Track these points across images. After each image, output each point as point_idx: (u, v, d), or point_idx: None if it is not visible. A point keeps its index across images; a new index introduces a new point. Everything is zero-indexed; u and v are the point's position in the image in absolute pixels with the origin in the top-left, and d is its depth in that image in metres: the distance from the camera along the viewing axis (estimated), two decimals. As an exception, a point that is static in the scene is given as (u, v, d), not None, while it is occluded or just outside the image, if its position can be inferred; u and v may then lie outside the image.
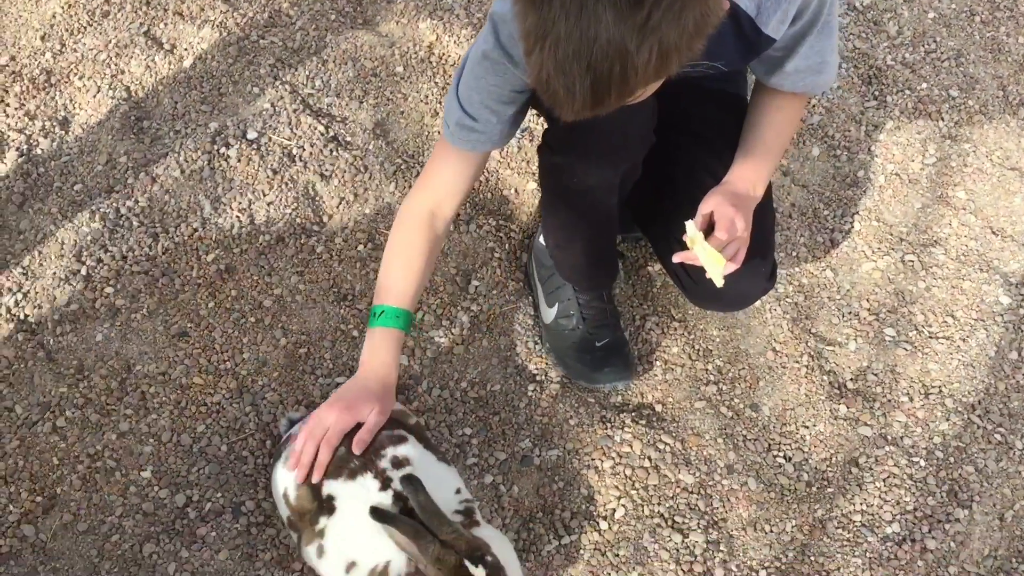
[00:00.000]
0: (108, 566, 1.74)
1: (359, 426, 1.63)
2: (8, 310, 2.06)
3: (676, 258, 1.68)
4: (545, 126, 1.84)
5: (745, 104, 1.88)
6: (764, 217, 1.79)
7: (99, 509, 1.80)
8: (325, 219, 2.28)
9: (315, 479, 1.59)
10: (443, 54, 2.64)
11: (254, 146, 2.38)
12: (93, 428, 1.90)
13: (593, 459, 1.94)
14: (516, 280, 2.21)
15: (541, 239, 2.11)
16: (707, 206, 1.66)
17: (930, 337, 2.19)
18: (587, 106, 1.23)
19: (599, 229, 1.90)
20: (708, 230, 1.66)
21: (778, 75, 1.70)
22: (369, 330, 1.72)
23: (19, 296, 2.08)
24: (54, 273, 2.12)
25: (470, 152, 1.70)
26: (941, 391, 2.10)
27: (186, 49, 2.58)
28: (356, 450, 1.60)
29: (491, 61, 1.58)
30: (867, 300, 2.24)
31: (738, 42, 1.60)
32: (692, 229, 1.63)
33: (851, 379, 2.11)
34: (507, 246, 2.26)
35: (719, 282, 1.64)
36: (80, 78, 2.48)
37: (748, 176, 1.73)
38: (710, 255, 1.62)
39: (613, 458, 1.94)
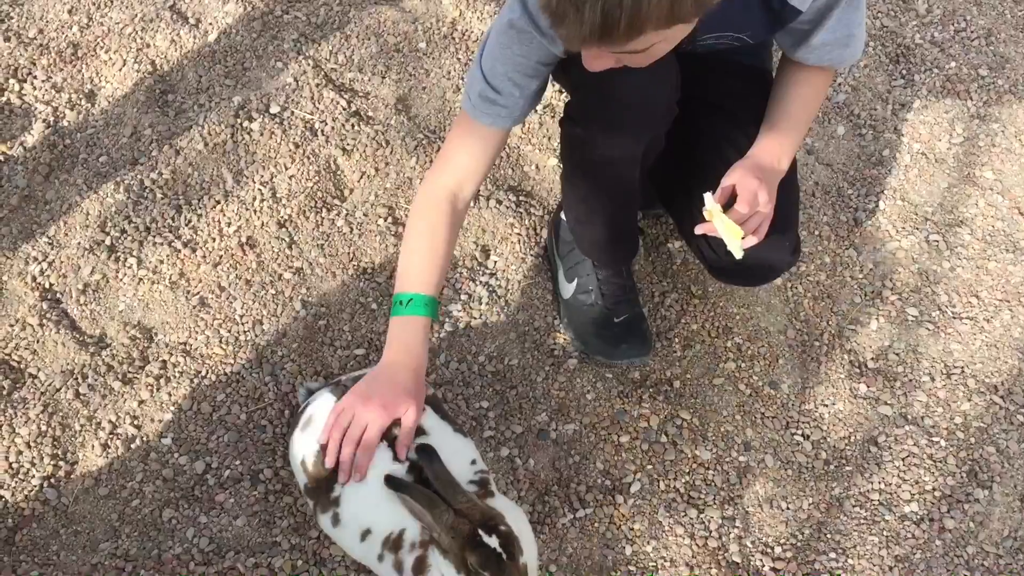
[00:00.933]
0: (128, 530, 1.77)
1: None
2: (33, 278, 2.08)
3: (698, 229, 1.67)
4: (568, 99, 1.83)
5: (770, 78, 1.86)
6: (788, 191, 1.78)
7: (120, 474, 1.83)
8: (346, 193, 2.29)
9: (356, 480, 1.56)
10: (466, 30, 2.64)
11: (277, 120, 2.39)
12: (115, 395, 1.93)
13: (610, 434, 1.94)
14: (535, 256, 2.20)
15: (562, 214, 2.10)
16: (730, 179, 1.65)
17: (953, 317, 2.16)
18: (595, 34, 1.21)
19: (620, 203, 1.89)
20: (731, 202, 1.65)
21: (804, 48, 1.68)
22: (395, 318, 1.65)
23: (44, 265, 2.11)
24: (79, 243, 2.14)
25: (490, 128, 1.68)
26: (963, 371, 2.07)
27: (211, 23, 2.59)
28: (401, 455, 1.57)
29: (517, 30, 1.57)
30: (890, 280, 2.22)
31: (764, 13, 1.58)
32: (710, 201, 1.62)
33: (872, 358, 2.09)
34: (527, 222, 2.25)
35: (738, 254, 1.63)
36: (106, 51, 2.50)
37: (773, 149, 1.72)
38: (728, 227, 1.61)
39: (630, 433, 1.94)
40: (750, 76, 1.92)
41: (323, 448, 1.63)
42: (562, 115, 1.82)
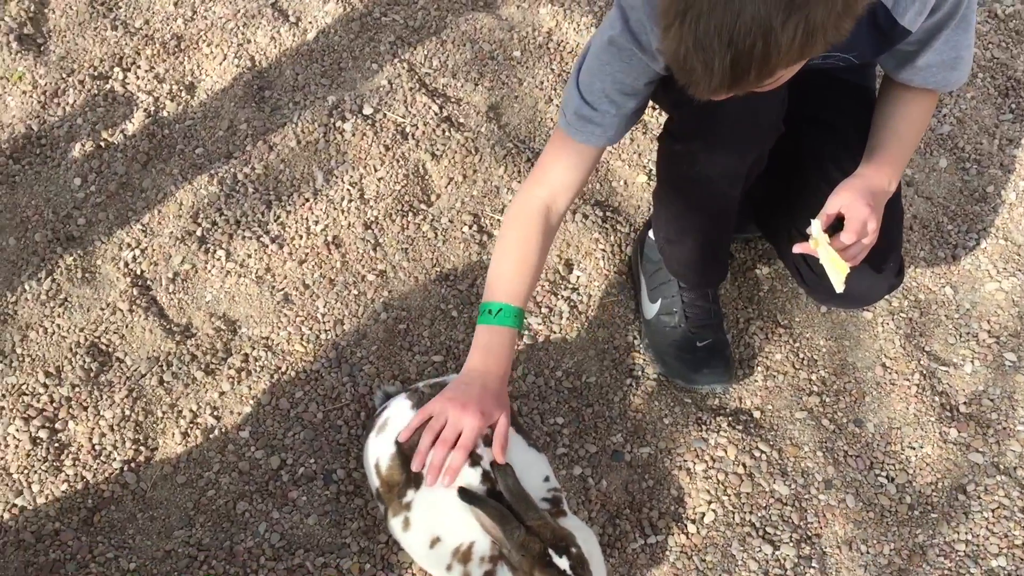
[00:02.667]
0: (202, 519, 1.79)
1: None
2: (126, 264, 2.13)
3: (796, 248, 1.63)
4: (666, 116, 1.80)
5: (875, 97, 1.81)
6: (894, 211, 1.72)
7: (198, 463, 1.85)
8: (433, 198, 2.29)
9: (447, 484, 1.53)
10: (561, 40, 2.62)
11: (369, 121, 2.41)
12: (197, 385, 1.96)
13: (685, 460, 1.90)
14: (619, 273, 2.17)
15: (650, 233, 2.07)
16: (836, 203, 1.60)
17: (1054, 366, 2.07)
18: (725, 84, 1.20)
19: (715, 224, 1.85)
20: (837, 224, 1.60)
21: (909, 70, 1.63)
22: (483, 326, 1.65)
23: (137, 252, 2.15)
24: (171, 232, 2.18)
25: (585, 145, 1.67)
26: (1062, 423, 1.98)
27: (310, 22, 2.62)
28: (500, 460, 1.55)
29: (617, 47, 1.54)
30: (988, 321, 2.13)
31: (872, 33, 1.53)
32: (816, 229, 1.58)
33: (964, 403, 2.01)
34: (612, 238, 2.22)
35: (839, 288, 1.58)
36: (208, 45, 2.55)
37: (882, 170, 1.66)
38: (832, 260, 1.57)
39: (706, 461, 1.90)
40: (855, 94, 1.87)
41: (400, 447, 1.63)
42: (661, 132, 1.79)
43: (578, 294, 2.14)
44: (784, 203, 1.85)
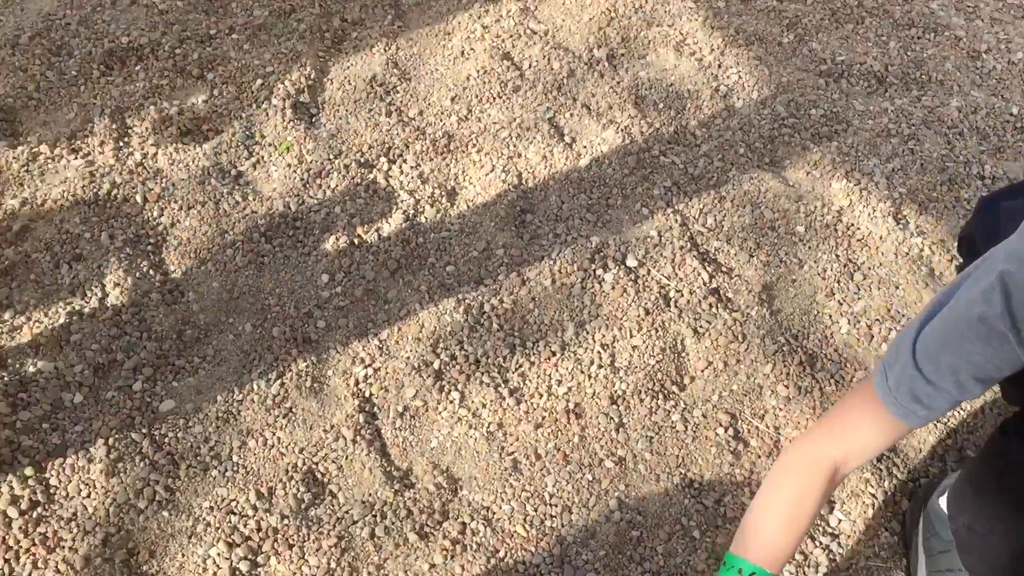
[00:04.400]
0: None
1: None
2: (357, 382, 2.00)
3: None
4: (1012, 411, 1.52)
5: None
6: None
7: (395, 647, 1.68)
8: (686, 381, 2.07)
9: None
10: (852, 224, 2.37)
11: (632, 276, 2.21)
12: (408, 548, 1.79)
13: None
14: (891, 531, 1.89)
15: (942, 502, 1.78)
16: None
17: None
18: None
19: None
20: None
21: None
22: None
23: (370, 371, 2.02)
24: (408, 358, 2.04)
25: (898, 420, 1.41)
26: None
27: (585, 147, 2.45)
28: None
29: (988, 328, 1.28)
30: None
31: None
32: None
33: None
34: (886, 484, 1.95)
35: None
36: (478, 151, 2.42)
37: None
38: None
39: None
40: None
41: None
42: (1001, 423, 1.52)
43: (839, 544, 1.87)
44: None
